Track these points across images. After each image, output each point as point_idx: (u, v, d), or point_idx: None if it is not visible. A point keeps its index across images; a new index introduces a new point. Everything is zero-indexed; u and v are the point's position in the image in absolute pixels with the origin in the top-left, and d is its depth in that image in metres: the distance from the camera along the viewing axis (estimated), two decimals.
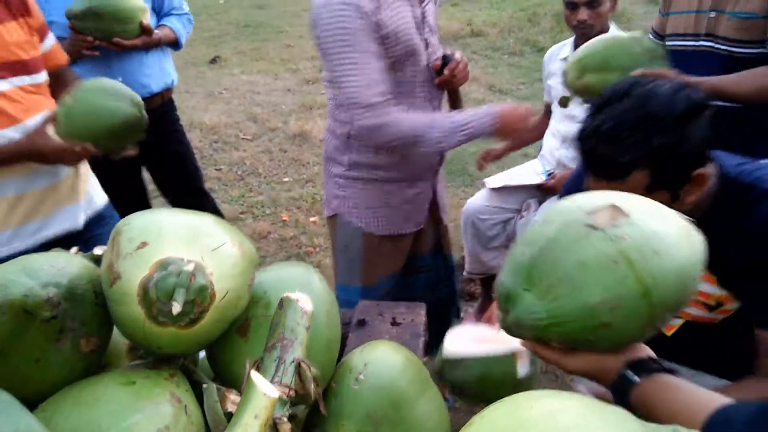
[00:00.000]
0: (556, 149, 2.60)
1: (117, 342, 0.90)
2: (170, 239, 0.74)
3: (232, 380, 0.89)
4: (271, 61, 6.84)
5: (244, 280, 0.81)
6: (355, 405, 0.91)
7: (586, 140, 1.07)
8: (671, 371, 0.77)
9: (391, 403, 0.91)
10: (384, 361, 0.97)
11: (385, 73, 1.65)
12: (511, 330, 0.82)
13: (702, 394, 0.72)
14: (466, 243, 2.63)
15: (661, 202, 0.81)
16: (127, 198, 2.34)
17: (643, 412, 0.74)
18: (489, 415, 0.53)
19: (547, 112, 2.72)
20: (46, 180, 1.64)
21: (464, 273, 2.73)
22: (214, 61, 6.87)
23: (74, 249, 1.20)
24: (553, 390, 0.56)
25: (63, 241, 1.67)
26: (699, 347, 1.29)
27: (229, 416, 0.73)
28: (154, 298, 0.70)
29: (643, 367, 0.77)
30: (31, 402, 0.77)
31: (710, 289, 1.17)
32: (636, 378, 0.76)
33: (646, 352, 0.81)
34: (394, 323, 1.47)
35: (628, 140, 1.02)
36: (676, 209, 0.81)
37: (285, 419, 0.74)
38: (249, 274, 0.83)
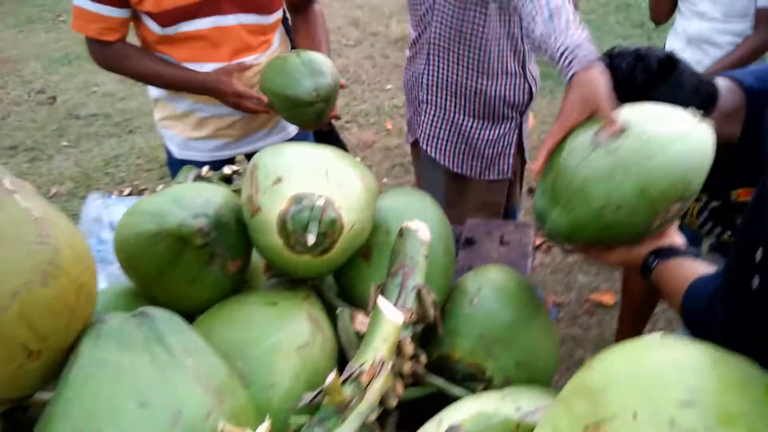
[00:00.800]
0: (680, 51, 2.39)
1: (255, 261, 1.00)
2: (302, 175, 0.79)
3: (357, 298, 0.97)
4: None
5: (368, 211, 0.86)
6: (469, 326, 0.96)
7: None
8: (691, 255, 0.88)
9: (503, 326, 0.96)
10: (496, 285, 1.01)
11: None
12: (549, 238, 0.98)
13: (694, 271, 0.82)
14: None
15: None
16: None
17: (660, 292, 0.89)
18: (609, 359, 0.55)
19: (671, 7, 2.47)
20: None
21: None
22: None
23: (205, 168, 1.31)
24: (671, 336, 0.57)
25: None
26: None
27: (358, 335, 0.81)
28: (291, 230, 0.77)
29: (662, 253, 0.89)
30: (188, 315, 0.89)
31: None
32: (654, 262, 0.89)
33: (672, 240, 0.92)
34: (502, 242, 1.49)
35: None
36: None
37: (408, 340, 0.80)
38: (372, 206, 0.87)
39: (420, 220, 0.91)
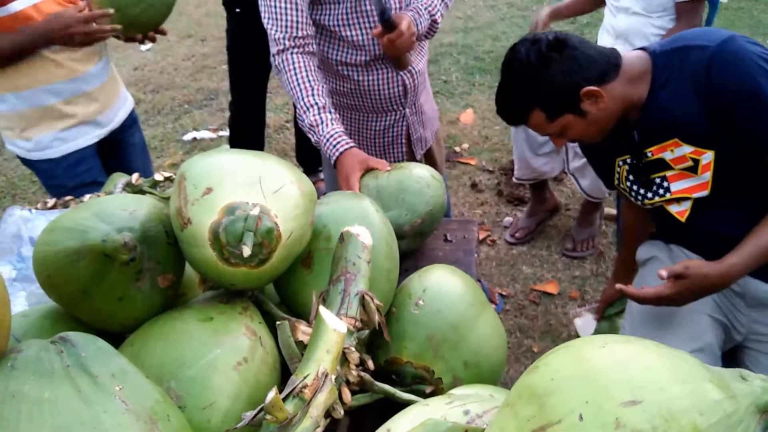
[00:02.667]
0: (611, 45, 2.45)
1: (190, 273, 0.96)
2: (234, 183, 0.75)
3: (299, 307, 0.94)
4: None
5: (306, 218, 0.83)
6: (416, 328, 0.95)
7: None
8: None
9: (450, 325, 0.95)
10: (442, 286, 1.00)
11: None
12: None
13: None
14: (516, 148, 2.58)
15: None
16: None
17: None
18: (554, 362, 0.55)
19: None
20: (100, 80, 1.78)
21: (514, 178, 2.71)
22: None
23: (136, 176, 1.25)
24: (616, 335, 0.57)
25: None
26: (714, 230, 1.34)
27: (301, 345, 0.78)
28: (224, 242, 0.73)
29: None
30: (118, 335, 0.84)
31: (681, 150, 1.28)
32: None
33: None
34: (446, 240, 1.49)
35: (513, 103, 1.33)
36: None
37: (353, 348, 0.78)
38: (310, 212, 0.85)
39: (361, 225, 0.89)
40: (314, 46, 1.58)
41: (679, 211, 1.37)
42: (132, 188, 1.21)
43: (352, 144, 1.48)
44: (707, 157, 1.26)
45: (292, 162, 3.35)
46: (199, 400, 0.69)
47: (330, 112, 1.52)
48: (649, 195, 1.39)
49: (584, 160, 2.40)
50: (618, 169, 1.43)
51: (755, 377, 0.55)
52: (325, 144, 1.49)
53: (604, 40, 2.48)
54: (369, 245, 0.86)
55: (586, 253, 2.69)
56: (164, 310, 0.84)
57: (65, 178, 1.77)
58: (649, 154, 1.32)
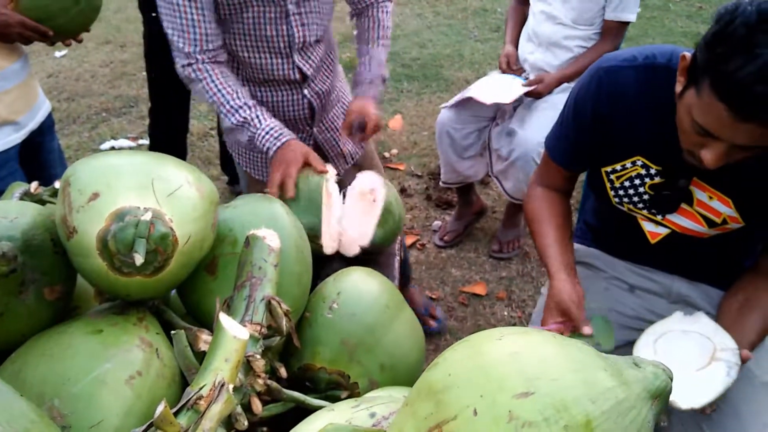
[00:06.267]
0: (530, 53, 2.52)
1: (85, 284, 0.90)
2: (122, 187, 0.71)
3: (204, 316, 0.89)
4: None
5: (207, 221, 0.79)
6: (330, 333, 0.92)
7: (757, 83, 0.86)
8: None
9: (365, 329, 0.93)
10: (357, 288, 0.98)
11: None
12: None
13: None
14: (442, 153, 2.61)
15: None
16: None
17: None
18: (451, 357, 0.54)
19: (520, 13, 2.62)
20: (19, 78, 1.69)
21: (440, 182, 2.74)
22: None
23: (34, 184, 1.17)
24: (515, 327, 0.56)
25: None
26: (683, 256, 1.33)
27: (202, 356, 0.74)
28: (114, 251, 0.68)
29: None
30: (2, 352, 0.77)
31: (723, 208, 1.16)
32: None
33: None
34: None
35: None
36: None
37: (258, 356, 0.75)
38: (211, 215, 0.81)
39: (269, 228, 0.86)
40: (224, 55, 1.53)
41: (653, 232, 1.30)
42: (31, 198, 1.13)
43: (294, 137, 1.44)
44: (737, 226, 1.19)
45: (216, 170, 3.26)
46: (85, 418, 0.63)
47: (263, 109, 1.48)
48: (640, 206, 1.26)
49: (507, 162, 2.45)
50: (631, 167, 1.23)
51: (648, 363, 0.56)
52: (264, 136, 1.45)
53: (526, 47, 2.55)
54: (276, 248, 0.83)
55: (512, 254, 2.74)
56: (54, 325, 0.78)
57: None
58: (691, 186, 1.18)
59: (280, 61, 1.57)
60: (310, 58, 1.62)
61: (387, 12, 1.70)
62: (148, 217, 0.69)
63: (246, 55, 1.55)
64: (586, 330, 1.19)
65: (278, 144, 1.43)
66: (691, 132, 0.99)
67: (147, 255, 0.69)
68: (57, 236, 0.76)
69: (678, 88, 1.03)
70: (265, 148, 1.45)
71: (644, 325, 1.26)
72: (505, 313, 2.46)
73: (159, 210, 0.71)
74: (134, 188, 0.71)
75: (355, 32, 1.75)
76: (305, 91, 1.65)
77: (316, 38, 1.60)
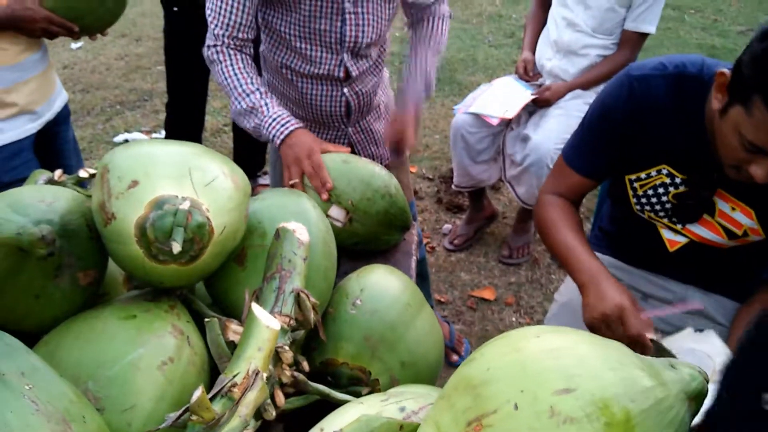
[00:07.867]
0: (548, 59, 2.53)
1: (113, 271, 0.90)
2: (161, 176, 0.71)
3: (231, 307, 0.90)
4: None
5: (240, 212, 0.80)
6: (353, 329, 0.93)
7: None
8: None
9: (387, 326, 0.94)
10: (379, 286, 0.99)
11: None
12: None
13: None
14: (455, 156, 2.61)
15: None
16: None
17: None
18: (489, 352, 0.54)
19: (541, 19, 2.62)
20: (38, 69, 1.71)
21: (453, 186, 2.74)
22: None
23: (58, 172, 1.18)
24: (551, 326, 0.57)
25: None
26: (700, 266, 1.32)
27: (231, 345, 0.75)
28: (152, 238, 0.69)
29: None
30: (34, 335, 0.78)
31: (745, 220, 1.16)
32: None
33: None
34: None
35: None
36: None
37: (287, 347, 0.75)
38: (244, 206, 0.82)
39: (298, 221, 0.87)
40: (251, 50, 1.54)
41: (672, 240, 1.29)
42: (54, 185, 1.14)
43: (302, 125, 1.43)
44: (757, 238, 1.18)
45: None
46: (119, 402, 0.64)
47: (273, 98, 1.48)
48: (661, 214, 1.26)
49: (520, 168, 2.45)
50: (656, 175, 1.23)
51: (683, 365, 0.57)
52: (271, 124, 1.43)
53: (544, 53, 2.56)
54: (306, 242, 0.84)
55: (522, 260, 2.75)
56: (85, 310, 0.78)
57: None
58: (715, 197, 1.18)
59: (329, 56, 1.58)
60: (360, 60, 1.62)
61: (445, 23, 1.69)
62: (186, 206, 0.70)
63: (298, 45, 1.56)
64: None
65: (285, 132, 1.41)
66: (740, 149, 0.99)
67: (184, 244, 0.70)
68: (92, 221, 0.77)
69: (716, 105, 1.03)
70: (271, 136, 1.44)
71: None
72: (513, 319, 2.47)
73: (197, 200, 0.72)
74: (172, 177, 0.72)
75: (408, 40, 1.74)
76: (345, 90, 1.65)
77: (370, 41, 1.59)
